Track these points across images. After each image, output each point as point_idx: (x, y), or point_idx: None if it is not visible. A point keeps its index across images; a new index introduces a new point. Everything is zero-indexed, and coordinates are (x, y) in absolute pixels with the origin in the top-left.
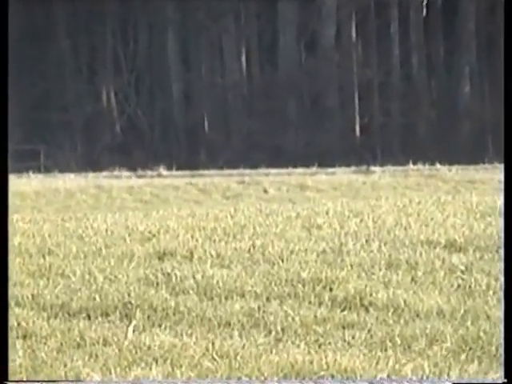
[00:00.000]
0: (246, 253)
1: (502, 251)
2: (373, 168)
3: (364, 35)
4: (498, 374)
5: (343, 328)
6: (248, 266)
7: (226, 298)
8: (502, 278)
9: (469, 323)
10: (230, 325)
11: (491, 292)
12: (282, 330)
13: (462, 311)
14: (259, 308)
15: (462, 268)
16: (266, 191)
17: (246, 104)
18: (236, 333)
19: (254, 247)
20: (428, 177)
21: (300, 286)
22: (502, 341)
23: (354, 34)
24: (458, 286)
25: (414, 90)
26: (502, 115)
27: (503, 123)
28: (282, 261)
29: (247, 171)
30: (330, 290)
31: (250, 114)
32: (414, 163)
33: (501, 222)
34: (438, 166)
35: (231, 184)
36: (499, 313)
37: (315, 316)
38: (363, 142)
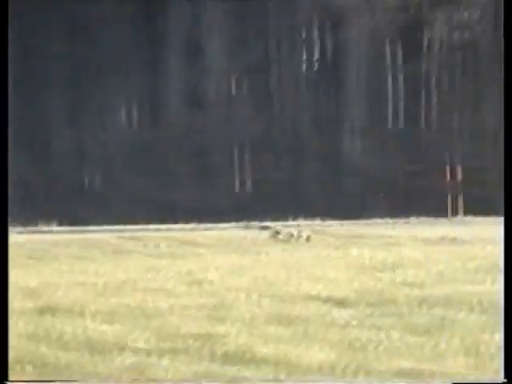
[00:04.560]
0: (136, 308)
1: (411, 306)
2: (257, 223)
3: (253, 91)
4: None
5: None
6: (137, 322)
7: (116, 354)
8: (473, 331)
9: (359, 378)
10: (116, 379)
11: (381, 347)
12: None
13: (351, 366)
14: (146, 363)
15: (352, 322)
16: (154, 246)
17: (132, 160)
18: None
19: (141, 302)
20: (314, 232)
21: (187, 340)
22: (501, 341)
23: (243, 90)
24: (346, 340)
25: (300, 145)
26: (387, 171)
27: (503, 127)
28: (170, 316)
29: (138, 227)
30: (220, 344)
31: (136, 170)
32: (300, 218)
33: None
34: (324, 221)
35: (120, 240)
36: (389, 368)
37: (202, 371)
38: (248, 198)
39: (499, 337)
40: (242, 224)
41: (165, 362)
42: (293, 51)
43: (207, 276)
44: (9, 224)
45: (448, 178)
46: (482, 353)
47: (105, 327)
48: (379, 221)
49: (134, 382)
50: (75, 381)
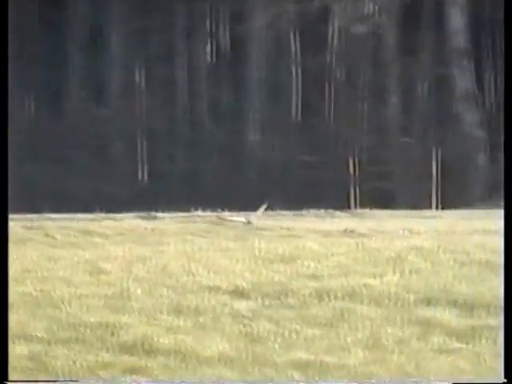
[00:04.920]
0: (32, 297)
1: (308, 298)
2: (158, 214)
3: (151, 82)
4: None
5: (128, 373)
6: (33, 311)
7: (14, 343)
8: (369, 324)
9: (255, 369)
10: (14, 369)
11: (277, 338)
12: (69, 374)
13: (247, 357)
14: (45, 352)
15: (248, 314)
16: (52, 236)
17: (33, 150)
18: (21, 377)
19: (40, 291)
20: (213, 223)
21: (85, 330)
22: (502, 341)
23: (141, 81)
24: (244, 332)
25: (200, 136)
26: (288, 163)
27: (503, 125)
28: (69, 305)
29: (34, 216)
30: (116, 335)
31: (38, 159)
32: (199, 209)
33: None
34: (223, 212)
35: (17, 229)
36: (284, 359)
37: (100, 361)
38: (148, 189)
39: (398, 331)
40: (143, 214)
41: (62, 351)
42: (197, 43)
43: (106, 266)
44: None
45: (350, 170)
46: (382, 346)
47: None
48: (282, 212)
49: (134, 382)
50: (75, 381)
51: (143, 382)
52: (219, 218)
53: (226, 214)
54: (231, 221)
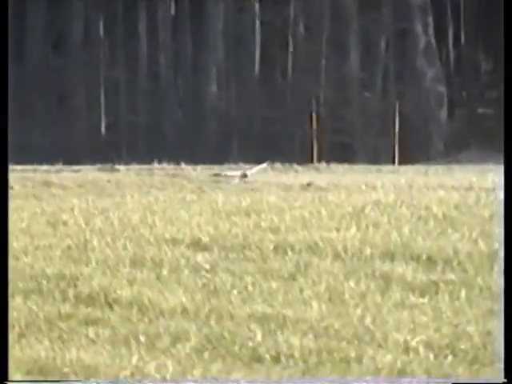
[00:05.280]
0: None
1: (267, 251)
2: (118, 166)
3: (112, 34)
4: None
5: (87, 325)
6: None
7: None
8: (328, 278)
9: (213, 322)
10: None
11: (235, 291)
12: (26, 325)
13: (206, 310)
14: None
15: (207, 267)
16: (11, 187)
17: None
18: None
19: None
20: (173, 176)
21: (44, 281)
22: (502, 341)
23: (101, 33)
24: (203, 284)
25: (161, 89)
26: (249, 117)
27: (503, 123)
28: (26, 256)
29: None
30: (75, 286)
31: None
32: (159, 162)
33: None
34: (183, 165)
35: None
36: (243, 312)
37: (59, 312)
38: (109, 141)
39: (357, 285)
40: (106, 166)
41: (18, 302)
42: None
43: (66, 217)
44: None
45: (311, 125)
46: (341, 300)
47: None
48: (242, 166)
49: (134, 382)
50: (75, 381)
51: (144, 382)
52: (173, 170)
53: (186, 167)
54: (190, 174)
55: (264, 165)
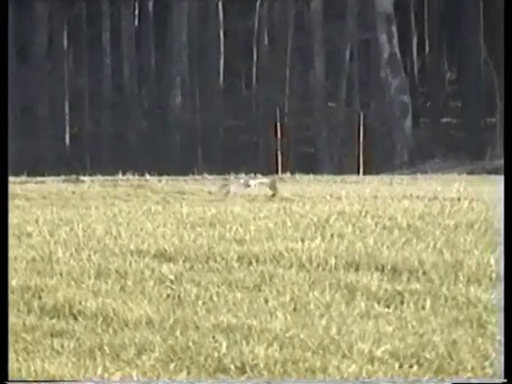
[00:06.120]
0: None
1: (232, 262)
2: (82, 177)
3: (76, 44)
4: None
5: (52, 336)
6: None
7: None
8: (293, 288)
9: (178, 333)
10: None
11: (200, 302)
12: None
13: (171, 321)
14: None
15: (172, 278)
16: None
17: None
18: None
19: None
20: (138, 187)
21: (9, 293)
22: (502, 341)
23: (65, 43)
24: (168, 295)
25: (125, 100)
26: (213, 127)
27: (503, 123)
28: None
29: None
30: (39, 297)
31: None
32: (124, 173)
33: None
34: (148, 176)
35: None
36: (208, 323)
37: (24, 324)
38: (73, 152)
39: (322, 295)
40: (70, 178)
41: None
42: (123, 7)
43: (30, 229)
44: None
45: (276, 134)
46: (306, 310)
47: None
48: (207, 177)
49: (135, 382)
50: (75, 381)
51: (144, 382)
52: (137, 181)
53: (150, 179)
54: (155, 185)
55: (264, 179)
